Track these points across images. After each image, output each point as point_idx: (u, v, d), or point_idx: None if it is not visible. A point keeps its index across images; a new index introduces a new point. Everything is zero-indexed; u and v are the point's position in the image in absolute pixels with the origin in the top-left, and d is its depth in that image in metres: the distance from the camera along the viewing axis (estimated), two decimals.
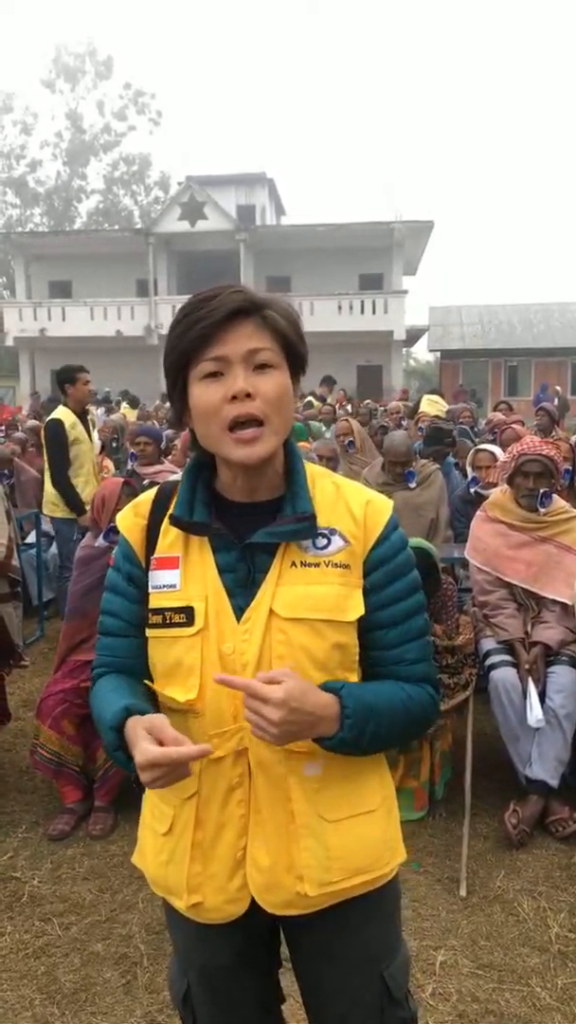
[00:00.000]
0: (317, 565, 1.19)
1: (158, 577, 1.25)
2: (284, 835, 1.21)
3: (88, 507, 5.17)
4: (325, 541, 1.21)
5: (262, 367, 1.15)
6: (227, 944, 1.30)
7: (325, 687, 1.17)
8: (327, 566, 1.20)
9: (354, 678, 1.23)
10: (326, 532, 1.21)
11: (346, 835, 1.23)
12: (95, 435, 5.74)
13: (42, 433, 5.81)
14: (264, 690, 1.07)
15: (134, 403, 16.21)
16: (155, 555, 1.26)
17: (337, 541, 1.21)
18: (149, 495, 1.33)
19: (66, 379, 5.46)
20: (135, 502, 1.33)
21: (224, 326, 1.13)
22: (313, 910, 1.23)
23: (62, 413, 5.48)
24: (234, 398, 1.13)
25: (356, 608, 1.21)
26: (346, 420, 7.03)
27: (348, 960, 1.30)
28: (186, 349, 1.15)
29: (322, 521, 1.21)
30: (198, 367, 1.15)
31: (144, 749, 1.07)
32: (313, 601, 1.18)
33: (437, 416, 8.67)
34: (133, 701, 1.19)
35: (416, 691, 1.26)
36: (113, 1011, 2.26)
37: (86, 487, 5.44)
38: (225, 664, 1.18)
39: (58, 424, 5.39)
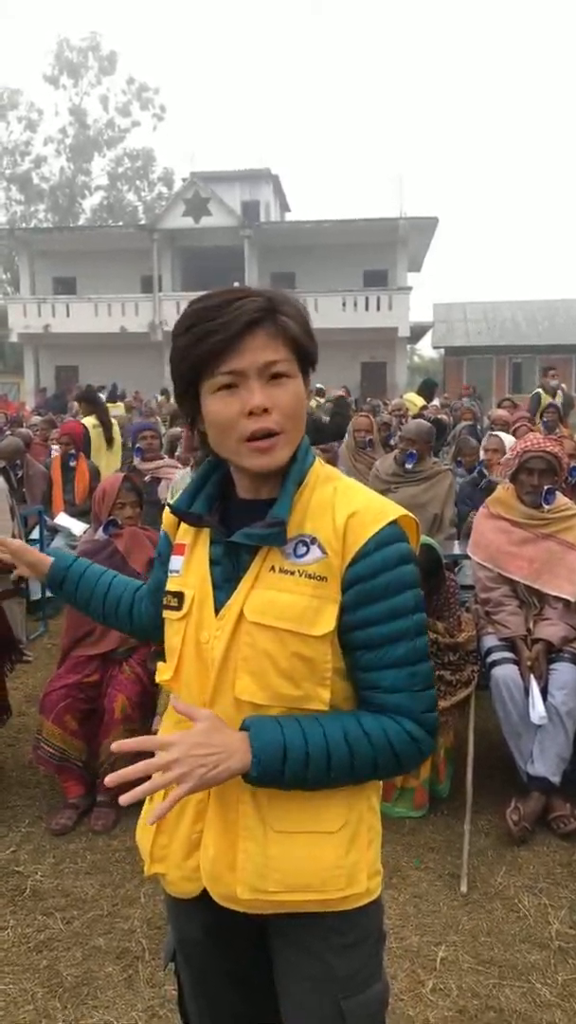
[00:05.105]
0: (292, 573, 1.16)
1: (172, 562, 1.31)
2: (230, 833, 1.19)
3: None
4: (305, 549, 1.17)
5: (277, 376, 1.13)
6: (196, 919, 1.32)
7: (243, 724, 1.14)
8: (301, 576, 1.15)
9: (326, 694, 1.16)
10: (307, 540, 1.17)
11: (291, 849, 1.17)
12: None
13: None
14: (159, 739, 1.14)
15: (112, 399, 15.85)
16: (175, 541, 1.33)
17: (315, 551, 1.16)
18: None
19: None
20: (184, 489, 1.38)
21: (238, 338, 1.10)
22: (251, 911, 1.21)
23: None
24: (251, 413, 1.12)
25: (326, 623, 1.14)
26: (366, 416, 6.72)
27: (305, 978, 1.24)
28: (197, 362, 1.13)
29: (308, 528, 1.18)
30: (212, 379, 1.13)
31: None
32: (278, 609, 1.15)
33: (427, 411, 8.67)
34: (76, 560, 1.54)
35: (384, 725, 1.16)
36: (114, 1005, 2.27)
37: None
38: (200, 652, 1.21)
39: None
